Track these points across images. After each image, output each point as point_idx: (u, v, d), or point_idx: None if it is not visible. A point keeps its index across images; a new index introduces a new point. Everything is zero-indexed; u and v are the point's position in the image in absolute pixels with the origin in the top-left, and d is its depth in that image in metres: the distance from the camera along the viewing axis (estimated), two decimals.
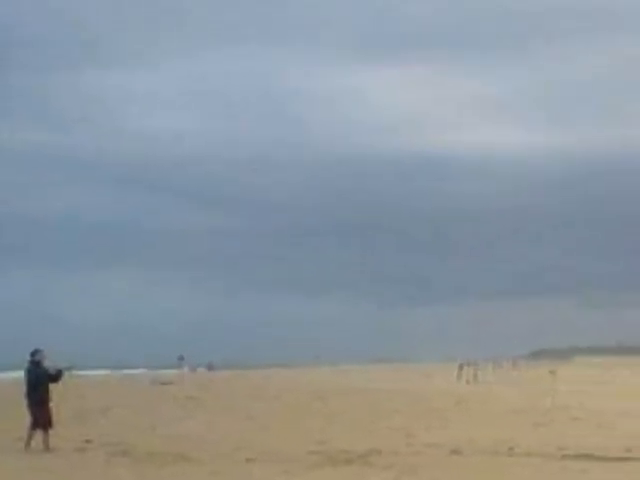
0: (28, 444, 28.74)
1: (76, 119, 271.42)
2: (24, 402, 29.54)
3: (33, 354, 29.77)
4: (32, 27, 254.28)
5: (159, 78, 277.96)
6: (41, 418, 28.98)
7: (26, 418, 29.40)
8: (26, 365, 29.91)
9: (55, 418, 29.48)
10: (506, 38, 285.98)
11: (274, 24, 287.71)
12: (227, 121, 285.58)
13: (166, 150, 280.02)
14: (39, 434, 28.92)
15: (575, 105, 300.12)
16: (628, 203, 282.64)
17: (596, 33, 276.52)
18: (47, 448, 28.51)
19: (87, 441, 30.98)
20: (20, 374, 32.78)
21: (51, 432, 29.02)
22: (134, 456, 27.45)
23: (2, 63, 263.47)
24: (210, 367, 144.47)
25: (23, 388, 29.81)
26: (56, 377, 29.81)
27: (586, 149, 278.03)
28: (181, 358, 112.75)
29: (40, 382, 29.38)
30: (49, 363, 30.01)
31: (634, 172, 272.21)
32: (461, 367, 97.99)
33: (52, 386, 29.62)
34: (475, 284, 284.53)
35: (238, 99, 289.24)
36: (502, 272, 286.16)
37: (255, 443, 30.48)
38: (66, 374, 31.21)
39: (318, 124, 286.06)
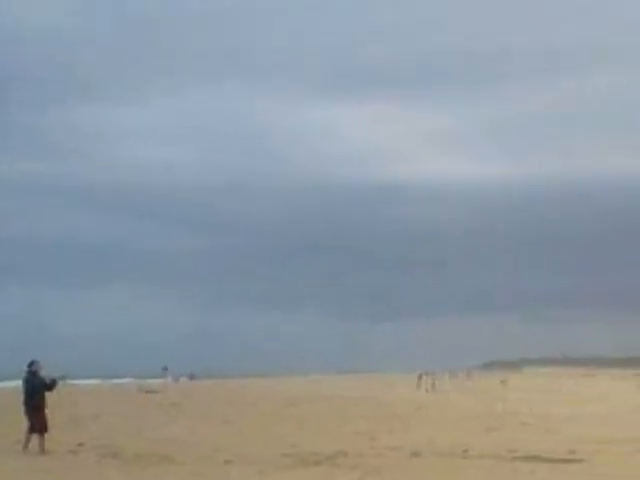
0: (26, 447, 28.63)
1: (71, 151, 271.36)
2: (22, 408, 29.42)
3: (30, 365, 29.74)
4: (31, 68, 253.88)
5: (149, 114, 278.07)
6: (37, 423, 28.91)
7: (23, 423, 29.30)
8: (24, 375, 29.88)
9: (50, 423, 29.35)
10: (461, 77, 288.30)
11: (252, 66, 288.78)
12: (210, 153, 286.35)
13: (154, 179, 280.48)
14: (36, 438, 28.80)
15: (522, 138, 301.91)
16: (569, 227, 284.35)
17: (540, 72, 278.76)
18: (43, 450, 28.40)
19: (79, 444, 30.77)
20: (18, 383, 32.58)
21: (46, 436, 28.90)
22: (123, 458, 27.37)
23: (3, 100, 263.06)
24: (192, 377, 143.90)
25: (21, 396, 29.71)
26: (51, 386, 29.70)
27: (531, 178, 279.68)
28: (165, 368, 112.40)
29: (36, 390, 29.30)
30: (44, 373, 29.89)
31: (573, 198, 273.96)
32: (420, 377, 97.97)
33: (47, 394, 29.49)
34: (432, 301, 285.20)
35: (220, 133, 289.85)
36: (457, 290, 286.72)
37: (232, 446, 30.43)
38: (60, 383, 31.21)
39: (291, 155, 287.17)
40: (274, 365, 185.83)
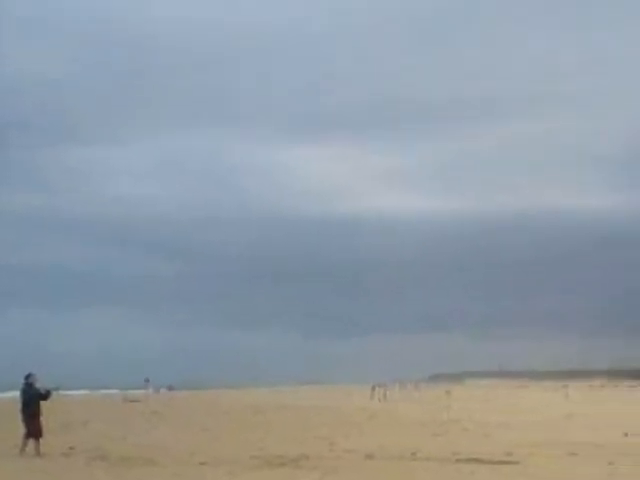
0: (23, 450, 28.55)
1: (63, 187, 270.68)
2: (19, 416, 29.37)
3: (27, 377, 29.65)
4: (28, 114, 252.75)
5: (130, 155, 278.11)
6: (33, 429, 28.88)
7: (21, 429, 29.24)
8: (21, 386, 29.76)
9: (44, 429, 29.30)
10: (410, 122, 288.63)
11: (223, 111, 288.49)
12: (185, 189, 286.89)
13: (136, 212, 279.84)
14: (32, 442, 28.72)
15: (464, 176, 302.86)
16: (506, 255, 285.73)
17: (480, 118, 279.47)
18: (38, 453, 28.29)
19: (71, 448, 30.73)
20: (16, 394, 32.19)
21: (41, 440, 28.83)
22: (109, 460, 27.23)
23: (3, 142, 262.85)
24: (170, 388, 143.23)
25: (18, 405, 29.65)
26: (45, 396, 29.63)
27: (474, 211, 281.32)
28: (147, 380, 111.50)
29: (32, 400, 29.23)
30: (39, 385, 29.82)
31: (510, 230, 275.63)
32: (374, 388, 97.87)
33: (42, 403, 29.40)
34: (384, 321, 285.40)
35: (194, 170, 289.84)
36: (406, 311, 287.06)
37: (207, 449, 30.36)
38: (53, 393, 30.81)
39: (258, 191, 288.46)
40: (244, 377, 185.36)
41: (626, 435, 36.81)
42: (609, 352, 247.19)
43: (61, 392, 55.94)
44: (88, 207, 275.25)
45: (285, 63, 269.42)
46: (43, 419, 29.45)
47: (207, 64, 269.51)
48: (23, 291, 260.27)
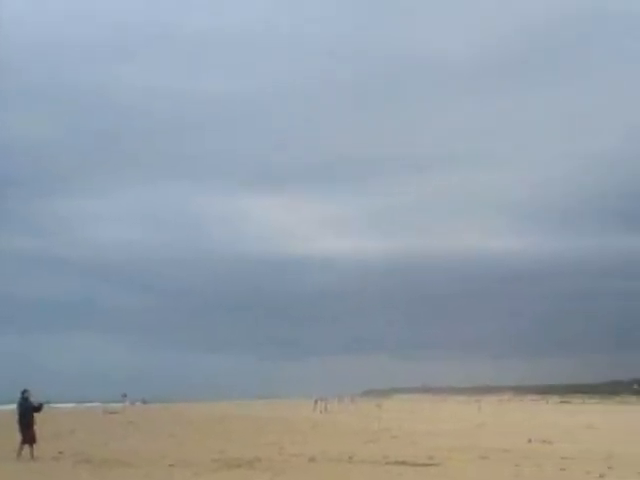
0: (19, 454, 28.41)
1: (54, 232, 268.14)
2: (16, 426, 29.28)
3: (23, 392, 29.53)
4: (24, 170, 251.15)
5: (111, 203, 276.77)
6: (28, 436, 28.80)
7: (17, 436, 29.14)
8: (18, 400, 29.64)
9: (38, 436, 29.23)
10: (345, 176, 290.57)
11: (190, 167, 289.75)
12: (157, 233, 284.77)
13: (115, 253, 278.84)
14: (27, 447, 28.65)
15: (393, 221, 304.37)
16: (428, 289, 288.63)
17: (409, 171, 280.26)
18: (32, 457, 28.19)
19: (60, 452, 30.63)
20: (13, 406, 32.14)
21: (35, 446, 28.76)
22: (93, 463, 27.12)
23: (3, 194, 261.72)
24: (144, 401, 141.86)
25: (16, 416, 29.57)
26: (38, 408, 29.49)
27: (401, 251, 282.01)
28: (124, 395, 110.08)
29: (27, 412, 29.12)
30: (33, 399, 29.67)
31: (431, 267, 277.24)
32: (316, 402, 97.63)
33: (36, 414, 29.25)
34: (325, 344, 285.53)
35: (166, 218, 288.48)
36: (343, 336, 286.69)
37: (175, 453, 30.26)
38: (45, 406, 30.71)
39: (219, 235, 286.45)
40: (206, 393, 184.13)
41: (530, 441, 37.11)
42: (515, 371, 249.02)
43: (51, 405, 55.59)
44: (75, 249, 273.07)
45: (244, 127, 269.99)
46: (36, 428, 29.33)
47: (177, 127, 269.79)
48: (20, 318, 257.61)
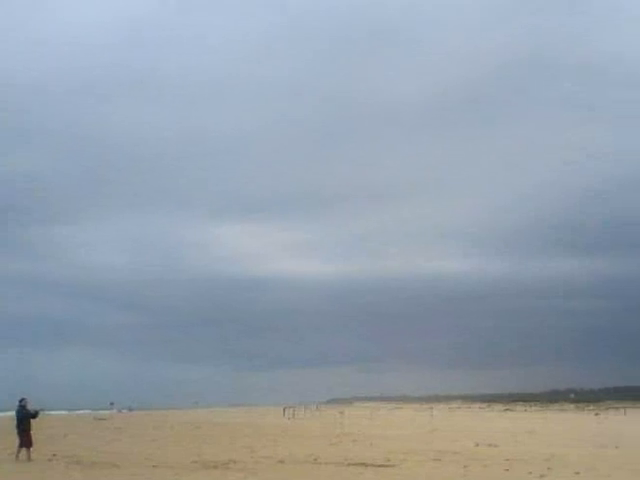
0: (17, 456, 28.44)
1: (47, 255, 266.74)
2: (14, 431, 29.35)
3: (20, 401, 29.63)
4: (20, 200, 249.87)
5: (99, 230, 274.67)
6: (25, 440, 28.82)
7: (16, 440, 29.17)
8: (16, 407, 29.71)
9: (34, 440, 29.22)
10: (307, 207, 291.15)
11: (169, 197, 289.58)
12: (139, 257, 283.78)
13: (102, 275, 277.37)
14: (24, 450, 28.63)
15: (352, 246, 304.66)
16: (385, 307, 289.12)
17: (367, 201, 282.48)
18: (29, 459, 28.14)
19: (54, 455, 30.48)
20: (12, 413, 32.08)
21: (31, 449, 28.74)
22: (83, 464, 27.00)
23: (2, 221, 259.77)
24: (130, 409, 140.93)
25: (14, 422, 29.59)
26: (35, 415, 29.64)
27: (359, 273, 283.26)
28: (112, 403, 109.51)
29: (25, 418, 29.20)
30: (30, 406, 29.78)
31: (387, 288, 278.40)
32: (285, 409, 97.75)
33: (32, 421, 29.37)
34: (293, 357, 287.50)
35: (148, 243, 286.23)
36: (308, 350, 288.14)
37: (158, 456, 30.21)
38: (40, 413, 30.91)
39: (195, 258, 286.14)
40: (186, 401, 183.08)
41: (477, 445, 37.31)
42: (464, 382, 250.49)
43: (46, 412, 55.10)
44: (67, 271, 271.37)
45: (216, 163, 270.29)
46: (33, 433, 29.36)
47: (157, 161, 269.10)
48: (17, 335, 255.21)
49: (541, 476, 23.48)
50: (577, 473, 24.21)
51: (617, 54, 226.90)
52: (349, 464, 26.94)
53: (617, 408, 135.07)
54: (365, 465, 26.61)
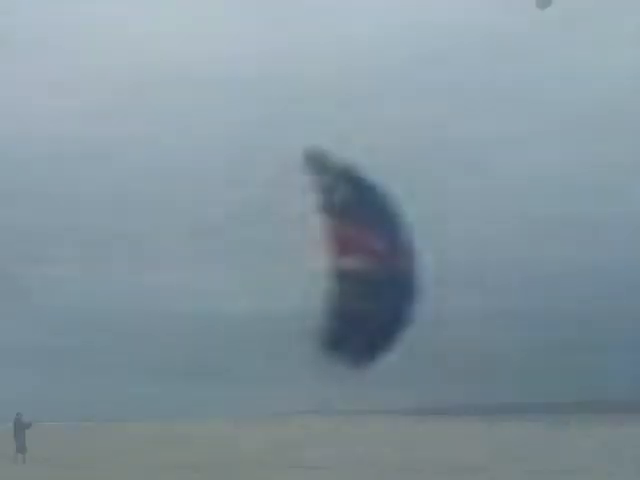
0: (15, 459, 31.58)
1: None
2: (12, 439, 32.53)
3: (17, 414, 33.46)
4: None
5: None
6: (21, 446, 32.16)
7: (13, 446, 32.18)
8: (14, 419, 33.39)
9: (28, 446, 32.11)
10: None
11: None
12: None
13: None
14: (20, 455, 31.92)
15: None
16: None
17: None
18: (24, 462, 31.49)
19: (44, 459, 31.80)
20: (10, 424, 34.39)
21: (26, 454, 31.90)
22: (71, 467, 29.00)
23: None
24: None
25: (12, 432, 32.84)
26: (28, 426, 33.02)
27: None
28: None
29: (21, 429, 32.71)
30: (24, 419, 33.19)
31: None
32: None
33: (26, 431, 32.50)
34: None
35: None
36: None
37: None
38: (32, 425, 33.62)
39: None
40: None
41: None
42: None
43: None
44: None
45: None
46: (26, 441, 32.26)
47: (140, 198, 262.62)
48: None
49: None
50: None
51: None
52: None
53: None
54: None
